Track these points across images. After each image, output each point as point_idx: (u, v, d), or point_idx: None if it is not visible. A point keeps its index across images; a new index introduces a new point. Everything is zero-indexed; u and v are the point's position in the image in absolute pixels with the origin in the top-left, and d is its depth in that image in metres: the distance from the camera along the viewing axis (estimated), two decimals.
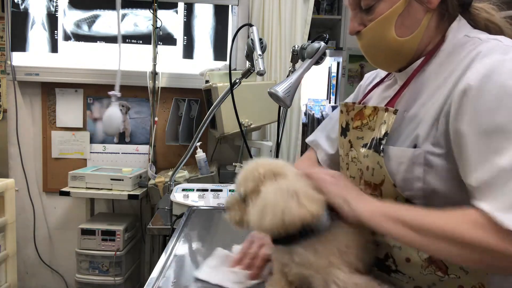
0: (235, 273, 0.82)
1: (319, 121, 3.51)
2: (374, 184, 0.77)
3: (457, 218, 0.62)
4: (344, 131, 0.89)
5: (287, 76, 1.31)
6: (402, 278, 0.75)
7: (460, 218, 0.62)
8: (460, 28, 0.76)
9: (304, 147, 2.51)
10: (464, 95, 0.64)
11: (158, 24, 2.42)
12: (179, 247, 1.01)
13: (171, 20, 2.50)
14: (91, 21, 2.48)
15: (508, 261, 0.58)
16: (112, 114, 2.09)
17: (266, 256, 0.84)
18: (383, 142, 0.73)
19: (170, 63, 2.50)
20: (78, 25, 2.48)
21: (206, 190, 1.59)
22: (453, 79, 0.69)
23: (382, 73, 0.98)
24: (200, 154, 2.00)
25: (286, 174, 0.71)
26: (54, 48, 2.47)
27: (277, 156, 1.54)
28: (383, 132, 0.74)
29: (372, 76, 1.02)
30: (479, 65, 0.65)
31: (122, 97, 2.52)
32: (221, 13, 2.51)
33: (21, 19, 2.43)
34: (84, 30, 2.48)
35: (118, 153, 2.57)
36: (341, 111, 0.91)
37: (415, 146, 0.71)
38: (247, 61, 1.43)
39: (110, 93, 2.10)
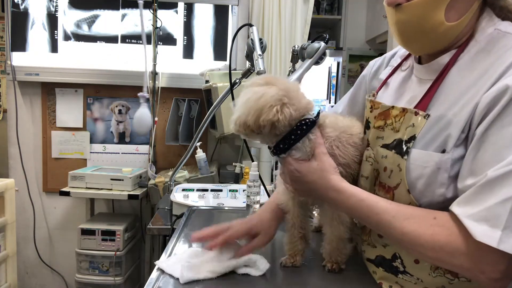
0: (192, 265, 0.83)
1: None
2: (388, 187, 0.75)
3: (424, 212, 0.66)
4: (363, 128, 0.87)
5: (287, 76, 1.31)
6: (410, 280, 0.75)
7: (426, 213, 0.66)
8: (489, 20, 0.70)
9: None
10: (502, 96, 0.60)
11: (158, 24, 2.42)
12: (179, 247, 1.01)
13: (171, 20, 2.49)
14: (91, 21, 2.48)
15: (464, 260, 0.61)
16: (143, 114, 2.21)
17: (229, 237, 0.85)
18: (410, 145, 0.70)
19: (170, 63, 2.50)
20: (78, 25, 2.48)
21: (206, 190, 1.59)
22: (490, 79, 0.64)
23: (387, 59, 0.93)
24: (200, 154, 2.00)
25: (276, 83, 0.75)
26: (54, 48, 2.47)
27: None
28: (410, 135, 0.70)
29: (377, 64, 0.97)
30: None
31: (122, 97, 2.53)
32: (221, 13, 2.51)
33: (21, 19, 2.43)
34: (84, 30, 2.48)
35: (118, 153, 2.57)
36: (366, 106, 0.88)
37: (443, 151, 0.67)
38: (247, 61, 1.43)
39: (139, 94, 2.21)
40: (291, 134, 0.75)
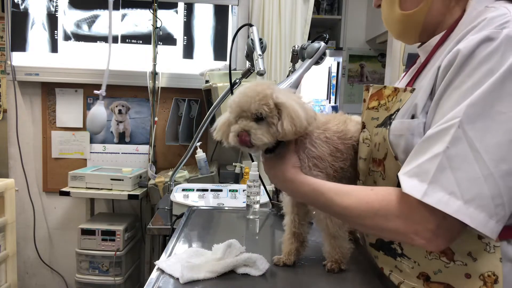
0: (192, 265, 0.82)
1: None
2: (379, 160, 0.78)
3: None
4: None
5: (287, 76, 1.31)
6: (408, 263, 0.75)
7: (365, 187, 0.71)
8: (479, 0, 0.71)
9: None
10: (454, 60, 0.62)
11: (158, 24, 2.42)
12: (179, 247, 1.01)
13: (171, 20, 2.50)
14: (91, 21, 2.48)
15: (398, 223, 0.62)
16: (96, 113, 2.16)
17: None
18: (393, 117, 0.74)
19: (170, 63, 2.50)
20: (78, 25, 2.48)
21: (206, 190, 1.59)
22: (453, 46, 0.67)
23: None
24: (200, 154, 2.00)
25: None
26: (54, 48, 2.47)
27: None
28: (396, 108, 0.74)
29: None
30: (474, 36, 0.62)
31: (122, 97, 2.53)
32: (221, 13, 2.51)
33: (21, 19, 2.43)
34: (84, 30, 2.48)
35: (118, 153, 2.57)
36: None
37: (413, 117, 0.70)
38: (247, 61, 1.44)
39: (97, 92, 2.17)
40: None
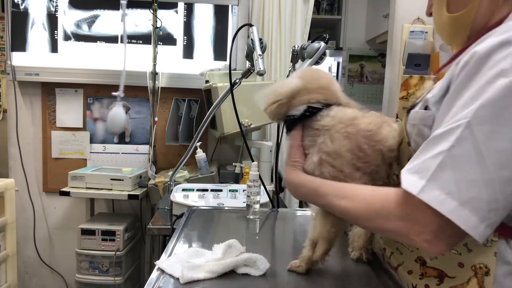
0: (192, 265, 0.82)
1: None
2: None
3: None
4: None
5: (287, 76, 1.31)
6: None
7: (364, 188, 0.70)
8: None
9: None
10: (469, 61, 0.62)
11: (158, 24, 2.42)
12: (179, 247, 1.01)
13: (171, 20, 2.50)
14: (91, 21, 2.48)
15: (399, 223, 0.61)
16: (116, 113, 2.15)
17: None
18: (415, 105, 0.74)
19: (170, 63, 2.50)
20: (78, 25, 2.48)
21: (206, 190, 1.59)
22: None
23: None
24: (200, 154, 2.00)
25: None
26: (54, 48, 2.47)
27: (277, 156, 1.54)
28: (418, 96, 0.75)
29: None
30: (494, 38, 0.61)
31: (122, 97, 2.53)
32: (221, 13, 2.51)
33: (21, 19, 2.43)
34: (84, 30, 2.48)
35: (118, 153, 2.57)
36: None
37: (426, 108, 0.70)
38: (247, 61, 1.44)
39: (113, 93, 2.15)
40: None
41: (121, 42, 2.44)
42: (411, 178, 0.60)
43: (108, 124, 2.24)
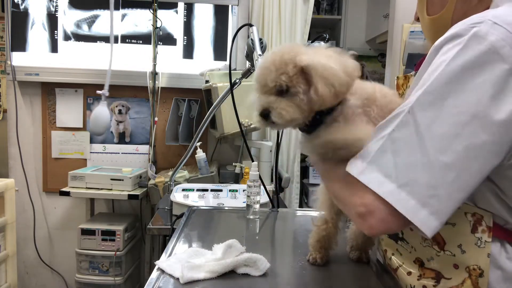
0: (192, 265, 0.82)
1: None
2: None
3: None
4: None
5: None
6: (406, 247, 0.77)
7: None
8: None
9: None
10: (444, 43, 0.62)
11: (158, 24, 2.42)
12: (179, 247, 1.01)
13: (171, 20, 2.50)
14: (91, 21, 2.48)
15: (352, 212, 0.63)
16: (99, 113, 2.12)
17: None
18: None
19: (170, 63, 2.50)
20: (78, 25, 2.48)
21: (206, 190, 1.59)
22: None
23: None
24: (200, 154, 2.00)
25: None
26: (54, 48, 2.47)
27: (277, 156, 1.54)
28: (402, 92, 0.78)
29: None
30: (448, 32, 0.62)
31: (122, 97, 2.53)
32: (221, 13, 2.51)
33: (21, 19, 2.43)
34: (84, 30, 2.48)
35: (118, 153, 2.57)
36: None
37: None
38: (247, 61, 1.44)
39: (99, 92, 2.11)
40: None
41: (109, 42, 2.44)
42: (355, 162, 0.62)
43: (90, 125, 2.20)
